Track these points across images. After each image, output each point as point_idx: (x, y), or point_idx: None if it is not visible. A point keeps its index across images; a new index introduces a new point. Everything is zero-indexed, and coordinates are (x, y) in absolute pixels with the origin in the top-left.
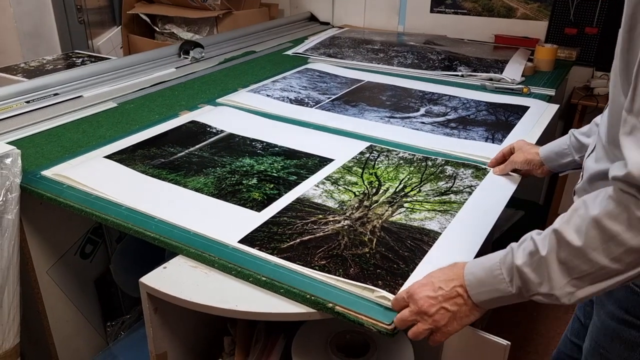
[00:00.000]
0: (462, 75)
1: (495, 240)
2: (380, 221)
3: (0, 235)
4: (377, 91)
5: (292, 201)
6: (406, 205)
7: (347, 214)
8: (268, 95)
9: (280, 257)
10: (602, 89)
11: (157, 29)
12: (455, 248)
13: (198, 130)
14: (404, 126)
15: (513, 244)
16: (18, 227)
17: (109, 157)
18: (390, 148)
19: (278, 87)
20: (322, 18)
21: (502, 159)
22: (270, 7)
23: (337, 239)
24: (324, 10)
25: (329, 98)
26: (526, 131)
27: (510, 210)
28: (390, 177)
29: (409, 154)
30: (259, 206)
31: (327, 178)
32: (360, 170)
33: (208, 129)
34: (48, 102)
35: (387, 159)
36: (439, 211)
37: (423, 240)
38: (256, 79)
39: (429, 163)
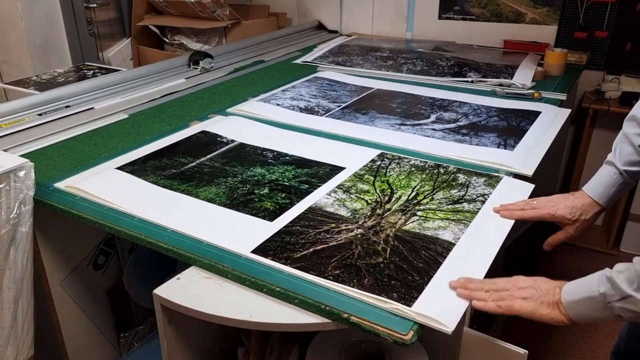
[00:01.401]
0: (472, 81)
1: (508, 248)
2: (393, 230)
3: (14, 247)
4: (387, 99)
5: (305, 210)
6: (419, 213)
7: (360, 223)
8: (278, 105)
9: (293, 267)
10: (613, 92)
11: (167, 40)
12: (470, 259)
13: (209, 140)
14: (415, 133)
15: (611, 272)
16: (32, 239)
17: (120, 168)
18: (402, 155)
19: (288, 96)
20: (330, 26)
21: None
22: (278, 17)
23: (351, 248)
24: (332, 19)
25: (339, 106)
26: (539, 136)
27: None
28: (402, 185)
29: (420, 161)
30: (271, 216)
31: (339, 186)
32: (372, 178)
33: (219, 138)
34: (60, 115)
35: (398, 166)
36: (452, 220)
37: (437, 250)
38: (266, 88)
39: (441, 170)
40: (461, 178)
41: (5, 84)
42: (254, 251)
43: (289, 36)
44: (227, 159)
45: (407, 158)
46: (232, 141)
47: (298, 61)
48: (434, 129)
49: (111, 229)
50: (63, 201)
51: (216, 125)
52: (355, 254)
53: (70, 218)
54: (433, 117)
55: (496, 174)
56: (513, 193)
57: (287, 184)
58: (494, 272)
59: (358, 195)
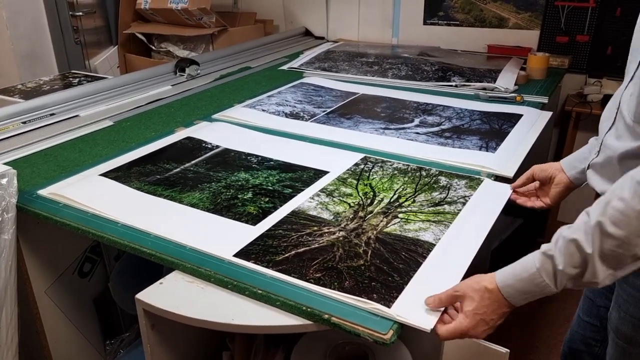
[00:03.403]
0: (456, 86)
1: (495, 249)
2: (375, 232)
3: None
4: (372, 103)
5: (288, 214)
6: (401, 215)
7: (342, 226)
8: (264, 110)
9: (275, 270)
10: (596, 95)
11: (154, 48)
12: (449, 259)
13: (194, 147)
14: (398, 137)
15: (546, 249)
16: (15, 247)
17: (104, 174)
18: (385, 159)
19: (273, 101)
20: (316, 33)
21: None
22: (265, 23)
23: (332, 251)
24: (318, 25)
25: (324, 111)
26: (520, 138)
27: (509, 218)
28: (384, 188)
29: (403, 165)
30: (254, 220)
31: (322, 190)
32: (355, 182)
33: (204, 144)
34: (44, 122)
35: (381, 169)
36: (433, 222)
37: (417, 251)
38: (252, 95)
39: (423, 173)
40: (443, 181)
41: None
42: (237, 255)
43: (275, 43)
44: (212, 164)
45: (390, 161)
46: (217, 147)
47: (284, 67)
48: (417, 133)
49: (94, 235)
50: (46, 208)
51: (201, 131)
52: (337, 257)
53: (54, 225)
54: (417, 121)
55: (477, 177)
56: (493, 195)
57: (270, 188)
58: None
59: (341, 198)
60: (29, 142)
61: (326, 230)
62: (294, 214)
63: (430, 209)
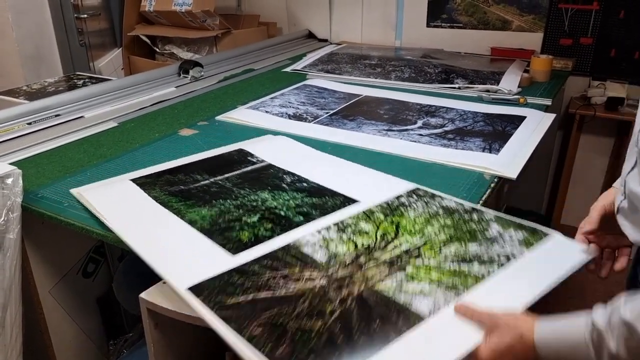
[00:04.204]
0: (459, 88)
1: None
2: (362, 287)
3: (2, 254)
4: (375, 105)
5: (278, 247)
6: (409, 269)
7: (330, 272)
8: (267, 112)
9: (217, 314)
10: (599, 98)
11: (158, 50)
12: (429, 350)
13: (239, 159)
14: (401, 138)
15: (601, 324)
16: (20, 246)
17: (134, 180)
18: (436, 193)
19: (277, 103)
20: (320, 35)
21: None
22: (268, 26)
23: (296, 303)
24: (321, 28)
25: (327, 113)
26: (523, 140)
27: None
28: (412, 230)
29: (455, 203)
30: (238, 248)
31: (337, 223)
32: (382, 218)
33: (249, 157)
34: (50, 123)
35: (425, 205)
36: (444, 284)
37: (396, 325)
38: (255, 96)
39: (474, 217)
40: (493, 229)
41: None
42: (190, 288)
43: (278, 45)
44: (242, 179)
45: (440, 196)
46: (261, 161)
47: (287, 69)
48: (420, 134)
49: (99, 235)
50: (51, 208)
51: (257, 143)
52: (296, 312)
53: (58, 225)
54: (420, 123)
55: (543, 231)
56: (555, 258)
57: (282, 213)
58: None
59: (351, 236)
60: (34, 142)
61: (306, 275)
62: (286, 248)
63: (453, 265)
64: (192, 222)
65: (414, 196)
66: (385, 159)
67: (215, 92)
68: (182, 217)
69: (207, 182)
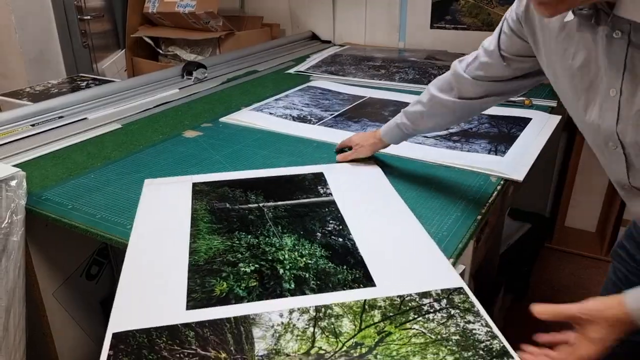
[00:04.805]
0: None
1: (503, 253)
2: None
3: (5, 257)
4: (380, 107)
5: (234, 315)
6: None
7: None
8: (271, 113)
9: None
10: None
11: (161, 52)
12: None
13: (308, 186)
14: (406, 141)
15: None
16: (24, 249)
17: (195, 184)
18: (475, 308)
19: (281, 105)
20: (323, 37)
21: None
22: (271, 27)
23: None
24: (325, 29)
25: (331, 115)
26: (529, 142)
27: (517, 224)
28: (406, 353)
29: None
30: (198, 304)
31: (321, 308)
32: (378, 318)
33: (319, 187)
34: (53, 125)
35: (444, 320)
36: None
37: None
38: (259, 98)
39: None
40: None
41: None
42: (114, 335)
43: (282, 46)
44: (288, 213)
45: (476, 313)
46: (328, 195)
47: (291, 71)
48: (425, 136)
49: (103, 237)
50: (55, 210)
51: (344, 170)
52: None
53: (62, 227)
54: None
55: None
56: None
57: (279, 271)
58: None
59: (316, 333)
60: (38, 144)
61: None
62: (240, 319)
63: None
64: (193, 253)
65: (444, 301)
66: (390, 160)
67: (218, 94)
68: (192, 242)
69: (254, 205)
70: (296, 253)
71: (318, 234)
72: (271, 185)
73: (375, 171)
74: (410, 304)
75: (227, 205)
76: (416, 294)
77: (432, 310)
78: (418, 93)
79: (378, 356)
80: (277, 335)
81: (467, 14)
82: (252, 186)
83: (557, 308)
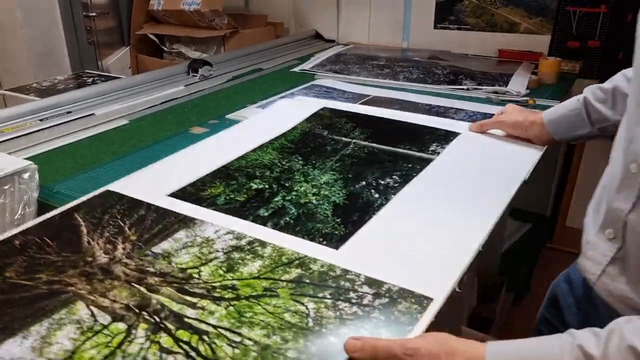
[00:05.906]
0: (468, 89)
1: (503, 253)
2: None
3: None
4: (384, 105)
5: (185, 214)
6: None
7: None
8: None
9: None
10: None
11: (166, 49)
12: None
13: (427, 140)
14: None
15: (594, 351)
16: None
17: (323, 108)
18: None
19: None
20: (327, 36)
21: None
22: (275, 26)
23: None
24: (328, 28)
25: None
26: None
27: (517, 224)
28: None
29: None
30: (178, 194)
31: (254, 242)
32: (286, 279)
33: (435, 145)
34: (61, 120)
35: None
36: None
37: None
38: (264, 96)
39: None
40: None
41: (6, 90)
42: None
43: (286, 45)
44: (366, 155)
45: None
46: (434, 153)
47: (296, 69)
48: None
49: None
50: (66, 203)
51: (490, 146)
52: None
53: None
54: None
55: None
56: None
57: (276, 198)
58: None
59: (220, 262)
60: (47, 139)
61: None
62: (182, 218)
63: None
64: (240, 158)
65: (385, 299)
66: None
67: (224, 91)
68: (252, 151)
69: (347, 140)
70: (315, 190)
71: (363, 182)
72: (387, 127)
73: (524, 157)
74: (339, 282)
75: (325, 132)
76: (365, 276)
77: (356, 301)
78: (422, 92)
79: (229, 308)
80: (188, 245)
81: (470, 15)
82: (366, 123)
83: (374, 340)
